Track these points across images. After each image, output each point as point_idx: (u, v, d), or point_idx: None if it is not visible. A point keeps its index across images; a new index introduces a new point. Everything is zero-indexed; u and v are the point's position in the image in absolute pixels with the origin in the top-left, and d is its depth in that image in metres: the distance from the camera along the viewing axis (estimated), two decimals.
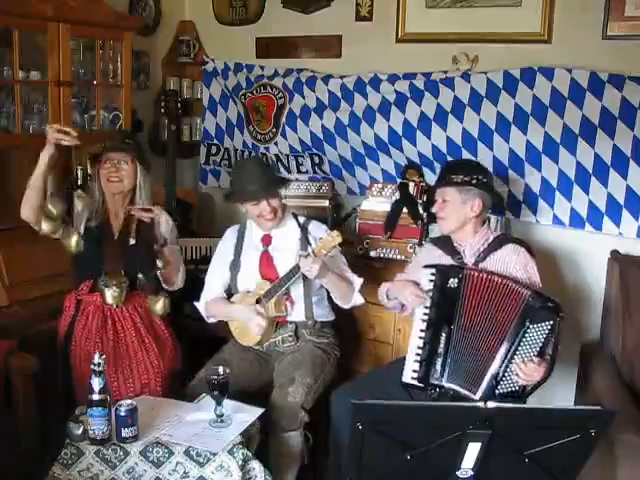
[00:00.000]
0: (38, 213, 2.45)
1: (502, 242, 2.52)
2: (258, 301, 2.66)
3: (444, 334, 2.37)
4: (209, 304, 2.77)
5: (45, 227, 2.48)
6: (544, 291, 2.32)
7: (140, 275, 2.60)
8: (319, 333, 2.74)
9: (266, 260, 2.71)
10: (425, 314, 2.42)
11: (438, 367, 2.36)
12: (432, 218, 3.22)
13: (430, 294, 2.42)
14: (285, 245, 2.72)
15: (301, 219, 2.78)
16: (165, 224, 2.66)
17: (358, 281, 2.70)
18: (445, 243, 2.61)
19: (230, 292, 2.81)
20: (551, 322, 2.21)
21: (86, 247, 2.56)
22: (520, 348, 2.24)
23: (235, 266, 2.76)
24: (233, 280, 2.77)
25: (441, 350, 2.36)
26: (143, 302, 2.64)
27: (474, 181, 2.47)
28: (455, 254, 2.55)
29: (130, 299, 2.60)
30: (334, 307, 2.81)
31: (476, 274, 2.37)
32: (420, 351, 2.39)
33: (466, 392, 2.31)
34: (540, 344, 2.22)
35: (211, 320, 2.80)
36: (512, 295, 2.30)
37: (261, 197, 2.61)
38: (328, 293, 2.75)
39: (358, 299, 2.70)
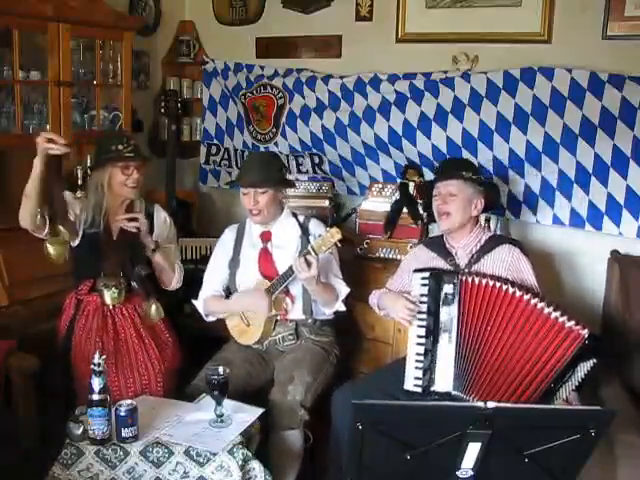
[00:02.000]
0: (35, 220, 2.40)
1: (496, 243, 2.47)
2: None
3: (443, 341, 2.29)
4: (207, 301, 2.77)
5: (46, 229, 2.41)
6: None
7: (133, 283, 2.58)
8: (319, 331, 2.74)
9: (265, 257, 2.71)
10: (422, 320, 2.36)
11: (441, 374, 2.29)
12: (432, 218, 3.23)
13: (424, 299, 2.36)
14: (285, 243, 2.72)
15: (301, 218, 2.78)
16: (162, 225, 2.67)
17: (344, 291, 2.69)
18: (437, 244, 2.57)
19: (228, 293, 2.80)
20: (594, 361, 2.12)
21: (85, 248, 2.55)
22: (564, 385, 2.15)
23: (234, 264, 2.76)
24: (232, 278, 2.76)
25: (443, 357, 2.28)
26: (143, 302, 2.64)
27: (479, 180, 2.45)
28: (448, 256, 2.50)
29: (130, 299, 2.60)
30: None
31: (471, 279, 2.29)
32: (422, 358, 2.32)
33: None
34: (577, 382, 2.14)
35: (210, 319, 2.80)
36: (560, 330, 2.15)
37: (249, 185, 2.62)
38: None
39: (340, 307, 2.70)
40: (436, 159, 3.27)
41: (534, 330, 2.19)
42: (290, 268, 2.56)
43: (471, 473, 1.63)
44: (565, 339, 2.15)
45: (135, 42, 3.42)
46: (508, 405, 1.87)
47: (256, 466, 2.12)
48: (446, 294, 2.32)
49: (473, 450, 1.58)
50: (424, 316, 2.36)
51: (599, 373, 2.57)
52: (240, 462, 2.07)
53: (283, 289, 2.63)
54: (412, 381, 2.36)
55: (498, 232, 2.92)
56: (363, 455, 1.63)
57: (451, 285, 2.32)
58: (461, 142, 3.17)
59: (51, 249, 2.39)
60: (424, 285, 2.39)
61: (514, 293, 2.24)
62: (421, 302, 2.38)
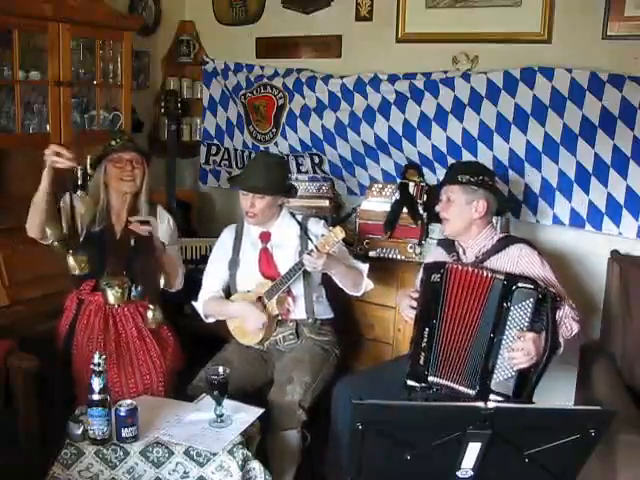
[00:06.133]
0: (42, 231, 2.45)
1: (507, 243, 2.47)
2: (258, 299, 2.67)
3: (427, 329, 2.35)
4: (207, 303, 2.77)
5: (50, 235, 2.45)
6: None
7: (136, 286, 2.59)
8: (319, 331, 2.75)
9: (266, 257, 2.71)
10: (415, 309, 2.42)
11: (422, 362, 2.35)
12: (432, 218, 3.23)
13: (417, 294, 2.42)
14: (285, 242, 2.72)
15: (299, 217, 2.77)
16: (166, 227, 2.67)
17: (364, 267, 2.72)
18: (448, 243, 2.60)
19: (228, 291, 2.80)
20: (531, 299, 2.19)
21: (88, 248, 2.55)
22: (506, 332, 2.23)
23: (234, 264, 2.76)
24: (232, 278, 2.76)
25: (425, 345, 2.35)
26: (144, 303, 2.64)
27: (480, 182, 2.44)
28: (452, 252, 2.54)
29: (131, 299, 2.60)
30: (333, 305, 2.83)
31: (459, 267, 2.34)
32: (411, 350, 2.39)
33: (459, 387, 2.30)
34: (526, 322, 2.20)
35: (209, 320, 2.80)
36: (484, 281, 2.28)
37: (249, 190, 2.61)
38: (327, 291, 2.79)
39: (369, 284, 2.72)
40: (436, 159, 3.27)
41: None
42: (292, 269, 2.58)
43: (471, 473, 1.63)
44: (486, 285, 2.27)
45: (135, 42, 3.41)
46: (508, 405, 1.88)
47: (256, 466, 2.12)
48: (434, 282, 2.36)
49: (473, 450, 1.59)
50: (419, 302, 2.42)
51: (599, 374, 2.58)
52: (240, 462, 2.07)
53: (285, 289, 2.64)
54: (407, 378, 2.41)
55: (499, 231, 2.90)
56: (363, 455, 1.63)
57: (438, 274, 2.35)
58: (461, 142, 3.17)
59: (74, 262, 2.44)
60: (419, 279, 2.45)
61: (485, 274, 2.28)
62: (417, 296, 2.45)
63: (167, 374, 2.56)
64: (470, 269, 2.32)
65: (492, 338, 2.25)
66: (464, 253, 2.53)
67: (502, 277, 2.25)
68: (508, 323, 2.23)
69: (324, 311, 2.79)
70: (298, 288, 2.70)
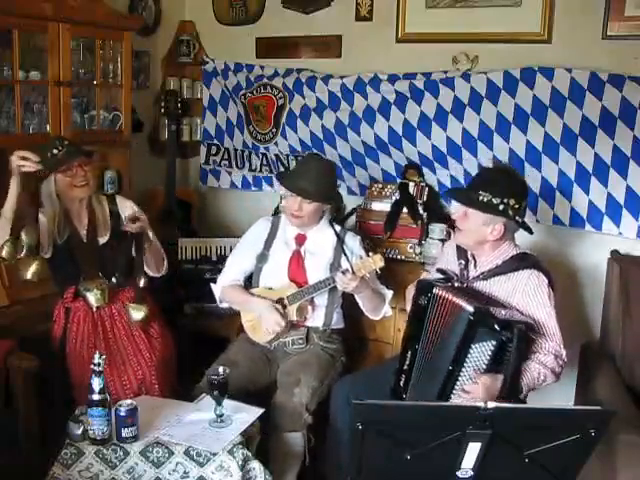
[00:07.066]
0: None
1: (520, 265, 2.32)
2: (279, 301, 2.66)
3: (410, 352, 2.32)
4: (226, 289, 2.77)
5: (5, 253, 2.41)
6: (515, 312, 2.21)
7: (114, 279, 2.61)
8: (328, 339, 2.75)
9: (297, 261, 2.69)
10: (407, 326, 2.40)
11: (402, 384, 2.34)
12: (432, 218, 3.24)
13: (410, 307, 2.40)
14: (319, 250, 2.70)
15: (337, 227, 2.75)
16: (131, 213, 2.63)
17: (389, 293, 2.72)
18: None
19: (248, 279, 2.80)
20: (493, 342, 2.08)
21: (59, 258, 2.57)
22: (464, 368, 2.16)
23: (263, 258, 2.74)
24: (257, 272, 2.75)
25: (406, 368, 2.33)
26: (128, 297, 2.64)
27: (501, 206, 2.24)
28: (461, 258, 2.45)
29: (115, 296, 2.61)
30: (345, 315, 2.84)
31: (444, 294, 2.24)
32: (397, 365, 2.38)
33: None
34: (484, 364, 2.12)
35: (223, 305, 2.81)
36: (455, 310, 2.18)
37: (298, 193, 2.59)
38: (343, 303, 2.79)
39: (388, 311, 2.73)
40: (436, 159, 3.27)
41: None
42: (322, 281, 2.58)
43: (471, 473, 1.63)
44: (457, 316, 2.17)
45: (135, 42, 3.41)
46: (508, 405, 1.87)
47: (256, 466, 2.12)
48: (420, 305, 2.31)
49: (473, 450, 1.59)
50: (408, 322, 2.39)
51: (599, 374, 2.58)
52: (240, 462, 2.07)
53: (309, 299, 2.64)
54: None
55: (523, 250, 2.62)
56: (363, 455, 1.63)
57: (425, 298, 2.29)
58: (461, 142, 3.17)
59: (31, 269, 2.44)
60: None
61: (459, 304, 2.18)
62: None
63: (159, 364, 2.56)
64: (451, 297, 2.21)
65: (451, 371, 2.18)
66: (475, 266, 2.41)
67: (471, 309, 2.12)
68: (467, 360, 2.16)
69: (337, 321, 2.79)
70: (322, 299, 2.69)
